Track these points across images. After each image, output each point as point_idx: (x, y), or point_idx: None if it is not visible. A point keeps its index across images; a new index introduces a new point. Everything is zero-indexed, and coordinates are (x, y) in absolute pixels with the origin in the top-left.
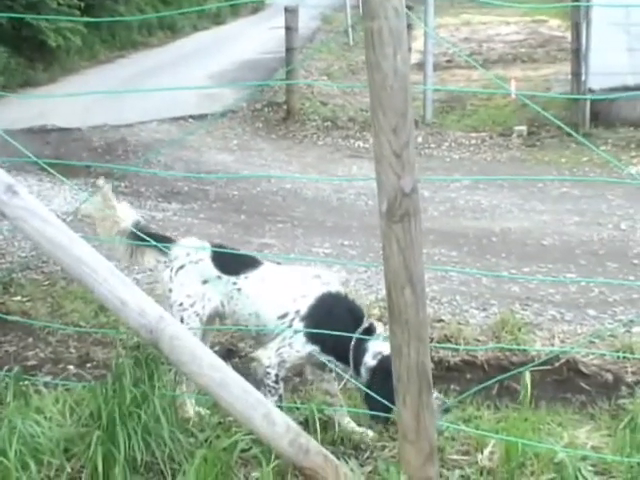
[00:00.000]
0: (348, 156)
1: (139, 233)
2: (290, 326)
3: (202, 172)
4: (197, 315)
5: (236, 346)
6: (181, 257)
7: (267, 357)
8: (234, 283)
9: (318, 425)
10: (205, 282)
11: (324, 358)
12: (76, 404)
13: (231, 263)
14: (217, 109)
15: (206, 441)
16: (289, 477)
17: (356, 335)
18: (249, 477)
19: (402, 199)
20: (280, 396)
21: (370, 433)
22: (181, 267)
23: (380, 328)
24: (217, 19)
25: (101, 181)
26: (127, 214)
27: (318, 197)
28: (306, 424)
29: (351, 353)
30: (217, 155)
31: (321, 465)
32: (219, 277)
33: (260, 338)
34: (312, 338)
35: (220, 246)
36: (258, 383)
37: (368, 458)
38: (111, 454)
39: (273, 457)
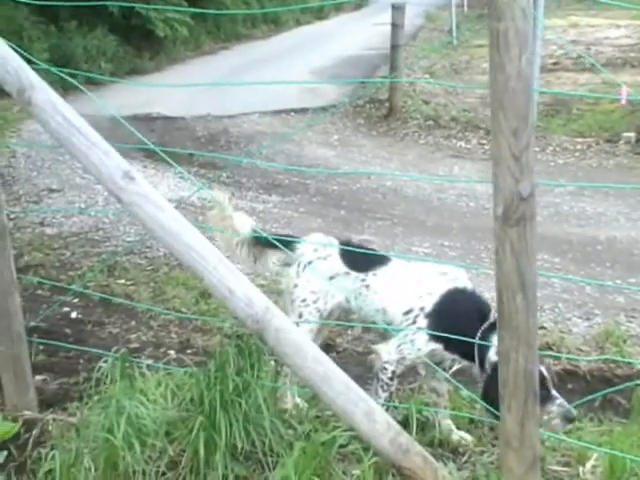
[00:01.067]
0: (449, 156)
1: (262, 235)
2: (414, 323)
3: (303, 166)
4: (318, 311)
5: (334, 341)
6: (308, 253)
7: (387, 352)
8: (362, 280)
9: (417, 425)
10: (332, 278)
11: (447, 356)
12: (178, 388)
13: (360, 260)
14: (318, 104)
15: (305, 434)
16: (387, 476)
17: (476, 340)
18: (347, 473)
19: (519, 203)
20: (391, 393)
21: (469, 437)
22: (309, 263)
23: None
24: (320, 14)
25: (218, 192)
26: (244, 223)
27: (419, 196)
28: (404, 424)
29: (476, 349)
30: (318, 149)
31: (420, 466)
32: (347, 273)
33: (386, 334)
34: (435, 336)
35: (347, 242)
36: (358, 379)
37: (466, 462)
38: (212, 440)
39: (371, 454)
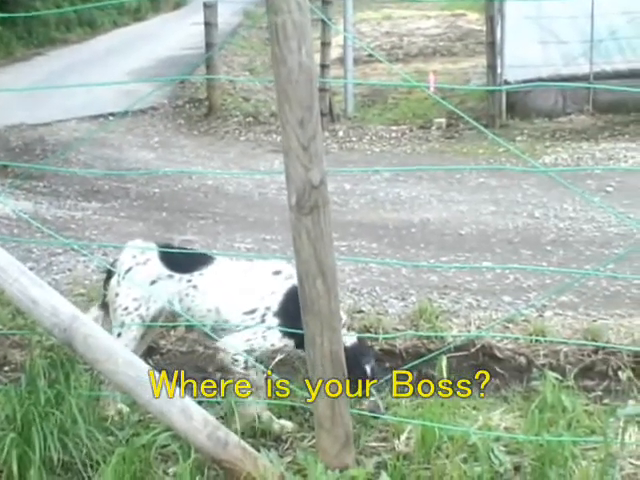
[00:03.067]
0: (270, 151)
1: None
2: (263, 321)
3: (123, 170)
4: (140, 318)
5: (157, 343)
6: (127, 260)
7: (232, 346)
8: (189, 280)
9: (238, 418)
10: (154, 283)
11: (294, 352)
12: None
13: (183, 261)
14: (137, 106)
15: (125, 439)
16: (207, 471)
17: None
18: (168, 472)
19: (311, 191)
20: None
21: (290, 424)
22: (128, 270)
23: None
24: (137, 15)
25: None
26: None
27: (240, 192)
28: (226, 418)
29: None
30: (138, 152)
31: (240, 457)
32: (170, 276)
33: (216, 333)
34: (288, 333)
35: (167, 245)
36: None
37: (288, 449)
38: (27, 456)
39: (192, 451)
